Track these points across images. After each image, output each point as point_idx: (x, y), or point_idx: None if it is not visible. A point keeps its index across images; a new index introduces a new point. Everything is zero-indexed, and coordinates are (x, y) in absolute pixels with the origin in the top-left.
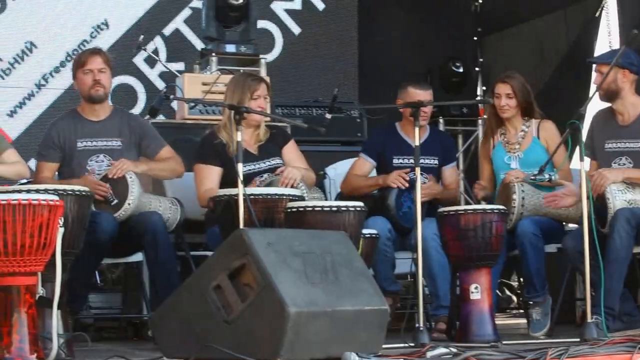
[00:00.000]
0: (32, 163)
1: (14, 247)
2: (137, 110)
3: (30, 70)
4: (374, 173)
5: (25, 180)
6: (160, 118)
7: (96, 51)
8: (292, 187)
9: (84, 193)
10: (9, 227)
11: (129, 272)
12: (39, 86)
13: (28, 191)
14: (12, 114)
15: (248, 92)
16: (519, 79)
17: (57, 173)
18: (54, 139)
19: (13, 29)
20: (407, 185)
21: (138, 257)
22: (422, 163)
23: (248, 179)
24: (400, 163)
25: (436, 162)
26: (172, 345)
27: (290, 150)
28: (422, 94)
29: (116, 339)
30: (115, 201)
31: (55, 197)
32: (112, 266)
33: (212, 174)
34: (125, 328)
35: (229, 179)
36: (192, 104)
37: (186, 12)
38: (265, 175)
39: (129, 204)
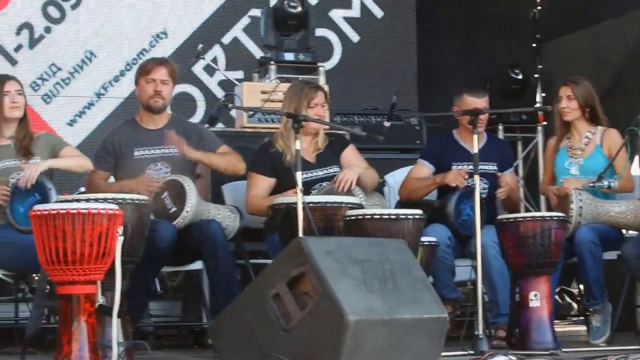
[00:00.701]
0: None
1: (74, 255)
2: (196, 118)
3: (89, 79)
4: None
5: (83, 189)
6: (219, 126)
7: (163, 62)
8: (348, 189)
9: (143, 202)
10: (69, 236)
11: (189, 280)
12: (98, 95)
13: (87, 200)
14: (72, 123)
15: (305, 100)
16: (582, 83)
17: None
18: (109, 148)
19: (73, 39)
20: (466, 183)
21: (198, 265)
22: (480, 169)
23: (305, 188)
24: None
25: (495, 168)
26: (232, 353)
27: (349, 154)
28: (477, 102)
29: (176, 347)
30: (174, 209)
31: (115, 206)
32: (173, 274)
33: (262, 184)
34: (185, 336)
35: (284, 188)
36: (251, 113)
37: (245, 21)
38: (324, 184)
39: (186, 212)
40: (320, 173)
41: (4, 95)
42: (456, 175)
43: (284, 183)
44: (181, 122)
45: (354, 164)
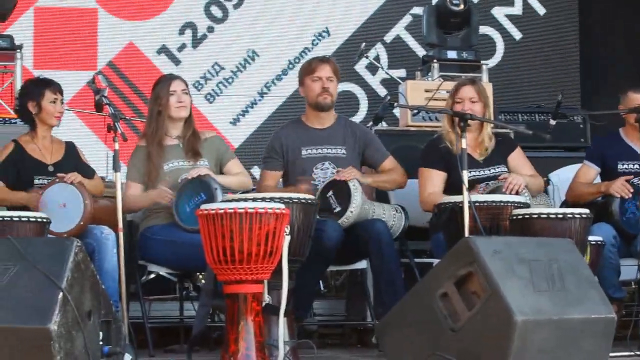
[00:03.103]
0: (255, 171)
1: (241, 255)
2: (359, 117)
3: (252, 78)
4: (598, 179)
5: (251, 188)
6: (383, 125)
7: (326, 60)
8: (516, 193)
9: (309, 201)
10: (236, 236)
11: (353, 279)
12: (261, 94)
13: (254, 200)
14: (235, 122)
15: (450, 98)
16: None
17: (281, 180)
18: (277, 148)
19: (235, 38)
20: (630, 195)
21: (363, 264)
22: None
23: (471, 185)
24: (626, 168)
25: None
26: (398, 353)
27: (517, 157)
28: None
29: (340, 345)
30: (338, 209)
31: (282, 206)
32: (336, 273)
33: (436, 178)
34: (348, 335)
35: (452, 185)
36: (415, 111)
37: (407, 19)
38: (491, 182)
39: (351, 212)
40: (487, 172)
41: (170, 95)
42: (621, 187)
43: (454, 179)
44: (349, 124)
45: (522, 169)
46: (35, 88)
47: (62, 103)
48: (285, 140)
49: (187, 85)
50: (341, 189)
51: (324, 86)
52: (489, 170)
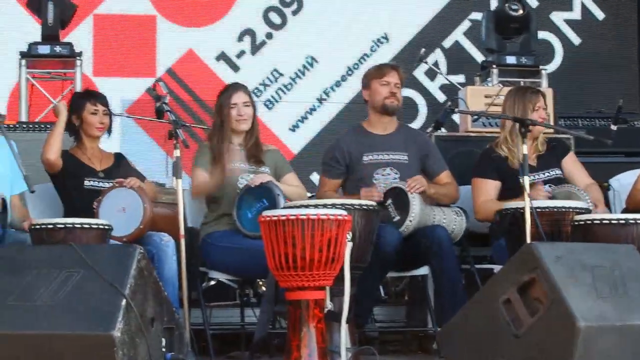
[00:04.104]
0: (314, 177)
1: (303, 261)
2: (418, 123)
3: (311, 84)
4: None
5: (309, 194)
6: (442, 131)
7: (396, 67)
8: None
9: (371, 207)
10: (299, 242)
11: (414, 285)
12: (320, 100)
13: (316, 206)
14: (294, 128)
15: (530, 104)
16: None
17: (341, 187)
18: (338, 157)
19: (294, 44)
20: None
21: (423, 270)
22: None
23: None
24: None
25: None
26: (461, 359)
27: (571, 162)
28: None
29: (400, 352)
30: (397, 218)
31: (344, 212)
32: (396, 279)
33: (489, 188)
34: (409, 341)
35: (508, 192)
36: (476, 117)
37: (465, 25)
38: (546, 187)
39: (409, 221)
40: (542, 176)
41: (231, 108)
42: None
43: (508, 187)
44: (410, 131)
45: (576, 174)
46: (77, 101)
47: (107, 114)
48: (347, 147)
49: (250, 95)
50: (400, 198)
51: (392, 91)
52: (544, 173)
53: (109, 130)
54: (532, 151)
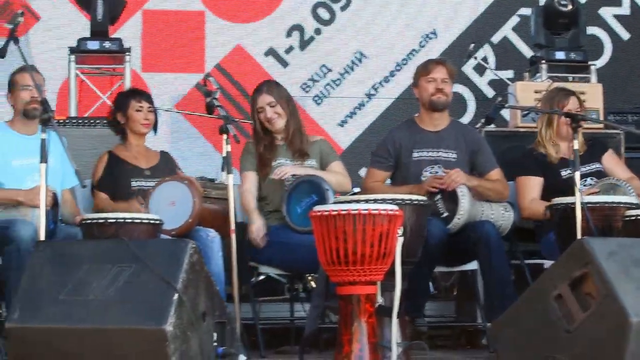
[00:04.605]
0: (363, 172)
1: (354, 256)
2: (466, 118)
3: (360, 80)
4: None
5: (357, 190)
6: (492, 127)
7: (442, 62)
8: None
9: (422, 202)
10: (350, 237)
11: (463, 281)
12: (369, 96)
13: (367, 201)
14: (342, 123)
15: (556, 106)
16: None
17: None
18: (389, 149)
19: (342, 40)
20: None
21: (472, 265)
22: None
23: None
24: None
25: None
26: (512, 354)
27: (611, 159)
28: None
29: (449, 347)
30: (446, 214)
31: (395, 207)
32: (446, 274)
33: (534, 185)
34: (458, 336)
35: (548, 188)
36: (525, 112)
37: (514, 20)
38: (588, 180)
39: (458, 219)
40: (583, 169)
41: (259, 113)
42: None
43: (549, 183)
44: (462, 128)
45: (617, 170)
46: (121, 99)
47: (152, 111)
48: (398, 140)
49: (275, 95)
50: (449, 193)
51: (438, 87)
52: (584, 167)
53: (155, 128)
54: (571, 148)
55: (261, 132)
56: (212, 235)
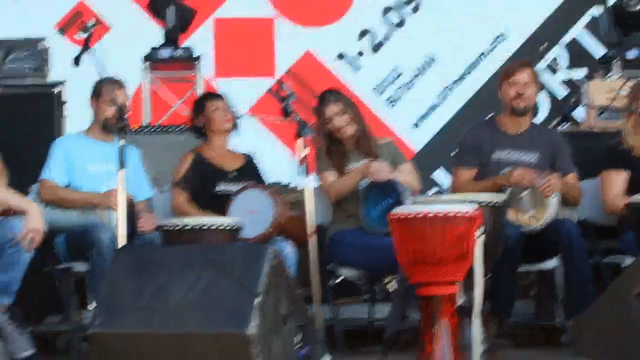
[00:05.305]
0: (437, 175)
1: (434, 257)
2: (539, 119)
3: (431, 82)
4: None
5: (435, 190)
6: (566, 126)
7: (525, 64)
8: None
9: (500, 203)
10: (429, 239)
11: (542, 279)
12: (440, 98)
13: (445, 202)
14: (416, 125)
15: (635, 103)
16: None
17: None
18: (470, 145)
19: (413, 43)
20: None
21: (552, 263)
22: None
23: None
24: None
25: None
26: (594, 352)
27: None
28: None
29: (529, 345)
30: (531, 212)
31: (474, 208)
32: (524, 273)
33: (619, 180)
34: (538, 335)
35: (634, 183)
36: (600, 111)
37: (585, 19)
38: None
39: (541, 225)
40: None
41: (327, 123)
42: None
43: (635, 177)
44: (544, 130)
45: None
46: (197, 104)
47: (229, 109)
48: (479, 139)
49: (341, 103)
50: (537, 197)
51: (519, 92)
52: None
53: (235, 126)
54: None
55: (328, 142)
56: (288, 250)
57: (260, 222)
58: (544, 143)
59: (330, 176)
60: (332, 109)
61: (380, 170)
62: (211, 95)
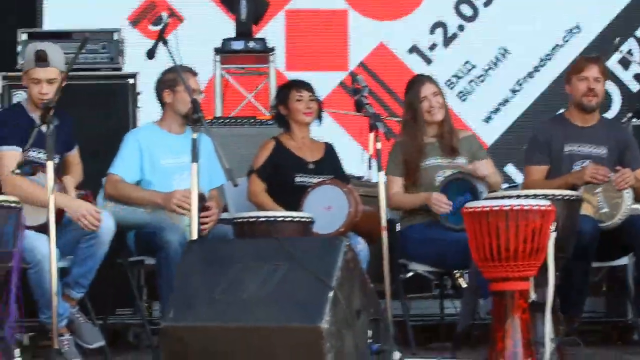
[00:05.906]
0: (508, 169)
1: (507, 252)
2: (612, 113)
3: (504, 76)
4: None
5: (506, 185)
6: (638, 122)
7: (595, 59)
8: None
9: (573, 197)
10: (502, 233)
11: (613, 276)
12: (513, 92)
13: (519, 197)
14: (487, 120)
15: None
16: None
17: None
18: (540, 142)
19: (486, 36)
20: None
21: (624, 260)
22: None
23: None
24: None
25: None
26: None
27: None
28: None
29: (600, 343)
30: (605, 209)
31: (547, 202)
32: (595, 270)
33: None
34: (609, 332)
35: None
36: None
37: None
38: None
39: (619, 219)
40: None
41: (421, 102)
42: None
43: None
44: (613, 125)
45: None
46: (281, 91)
47: (314, 100)
48: (549, 134)
49: (437, 85)
50: (613, 192)
51: (590, 87)
52: None
53: (319, 117)
54: None
55: (414, 125)
56: (360, 247)
57: (333, 220)
58: (613, 137)
59: (396, 185)
60: (429, 88)
61: (440, 203)
62: (297, 83)
